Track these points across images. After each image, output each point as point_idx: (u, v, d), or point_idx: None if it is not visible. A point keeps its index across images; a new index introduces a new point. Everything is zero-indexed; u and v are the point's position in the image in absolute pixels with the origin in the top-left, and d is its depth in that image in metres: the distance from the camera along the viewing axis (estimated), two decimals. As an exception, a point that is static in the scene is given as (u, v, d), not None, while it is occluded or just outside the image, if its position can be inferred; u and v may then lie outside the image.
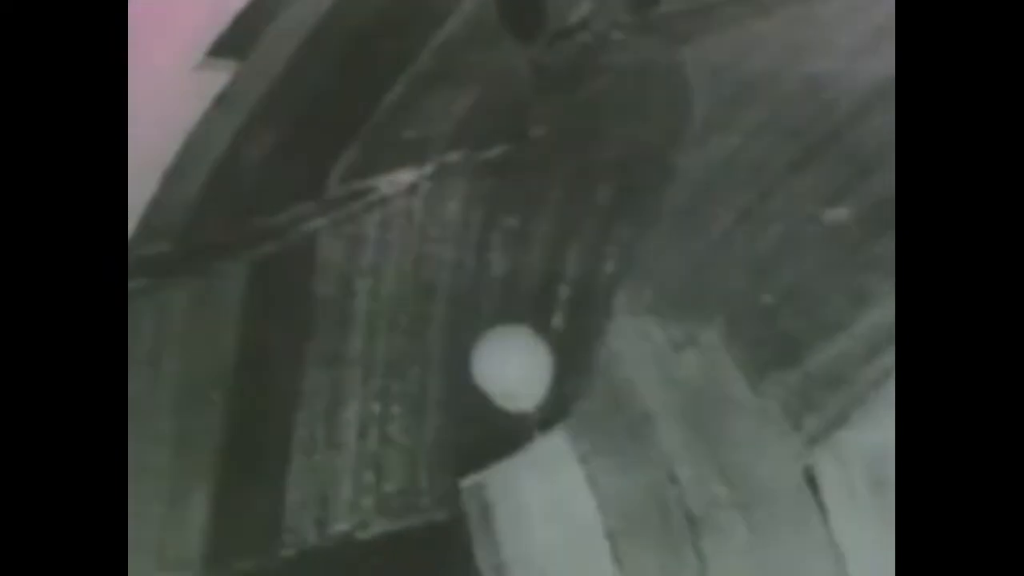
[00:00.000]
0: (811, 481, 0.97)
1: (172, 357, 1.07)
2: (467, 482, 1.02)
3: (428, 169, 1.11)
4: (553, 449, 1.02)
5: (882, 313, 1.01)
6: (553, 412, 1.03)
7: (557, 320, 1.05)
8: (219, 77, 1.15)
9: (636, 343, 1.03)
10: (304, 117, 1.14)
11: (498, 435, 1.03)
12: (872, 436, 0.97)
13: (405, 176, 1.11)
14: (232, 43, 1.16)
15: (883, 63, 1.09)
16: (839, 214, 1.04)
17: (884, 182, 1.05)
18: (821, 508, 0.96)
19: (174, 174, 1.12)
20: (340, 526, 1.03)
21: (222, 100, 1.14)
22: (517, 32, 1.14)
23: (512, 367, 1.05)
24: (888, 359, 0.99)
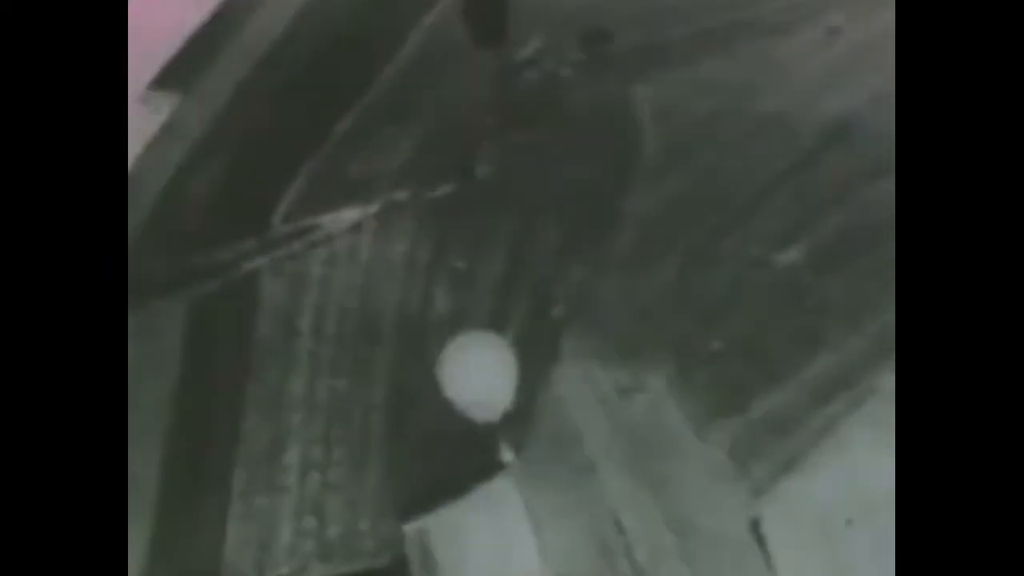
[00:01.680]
0: (757, 531, 0.96)
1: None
2: (410, 527, 1.01)
3: (374, 207, 1.09)
4: (497, 494, 1.00)
5: (830, 360, 1.00)
6: (517, 431, 1.01)
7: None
8: (161, 110, 1.13)
9: (582, 388, 1.02)
10: (248, 152, 1.13)
11: (443, 479, 1.02)
12: (819, 485, 0.96)
13: (350, 214, 1.09)
14: (175, 75, 1.14)
15: (836, 102, 1.09)
16: (790, 256, 1.03)
17: (836, 224, 1.04)
18: (767, 559, 0.95)
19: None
20: (280, 571, 1.01)
21: (164, 133, 1.12)
22: (484, 40, 1.13)
23: (478, 374, 1.04)
24: (837, 406, 0.98)
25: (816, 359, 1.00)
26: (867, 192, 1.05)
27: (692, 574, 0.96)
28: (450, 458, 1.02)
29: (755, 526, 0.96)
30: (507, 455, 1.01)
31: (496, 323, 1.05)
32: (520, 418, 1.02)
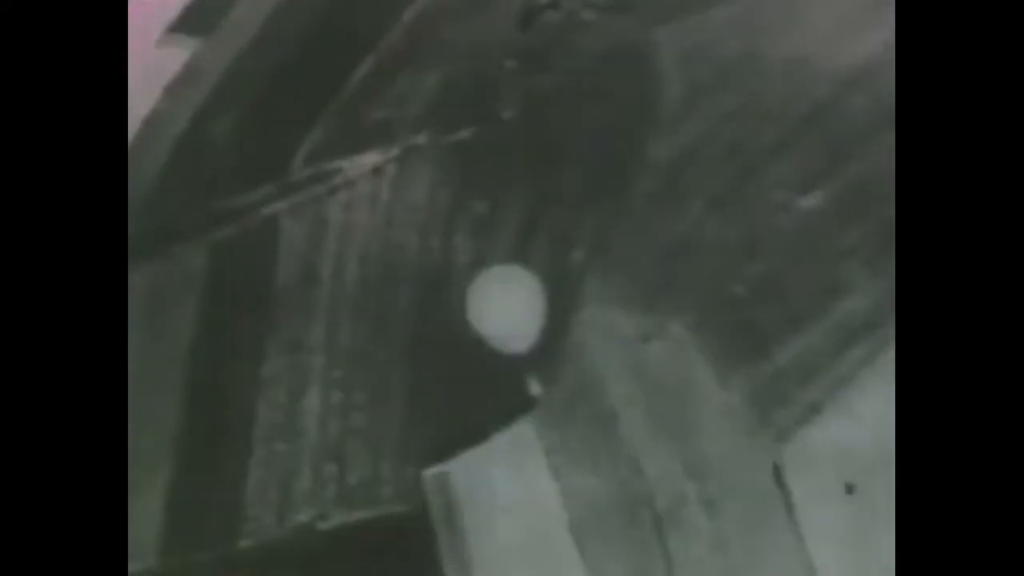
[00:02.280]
0: (779, 478, 0.95)
1: (130, 342, 1.05)
2: (431, 473, 1.01)
3: (394, 151, 1.09)
4: (518, 441, 1.00)
5: (854, 304, 0.99)
6: (545, 364, 1.01)
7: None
8: (180, 54, 1.13)
9: (604, 334, 1.01)
10: (267, 96, 1.13)
11: (465, 425, 1.01)
12: (841, 432, 0.96)
13: (370, 158, 1.09)
14: (194, 19, 1.14)
15: (860, 46, 1.07)
16: (814, 200, 1.03)
17: (860, 167, 1.03)
18: (788, 505, 0.95)
19: (134, 152, 1.10)
20: (300, 517, 1.01)
21: (183, 78, 1.12)
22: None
23: (506, 306, 1.04)
24: (859, 352, 0.97)
25: (838, 304, 0.99)
26: (890, 137, 1.03)
27: (712, 521, 0.96)
28: (471, 403, 1.02)
29: (777, 473, 0.95)
30: (535, 388, 1.01)
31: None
32: (547, 352, 1.02)
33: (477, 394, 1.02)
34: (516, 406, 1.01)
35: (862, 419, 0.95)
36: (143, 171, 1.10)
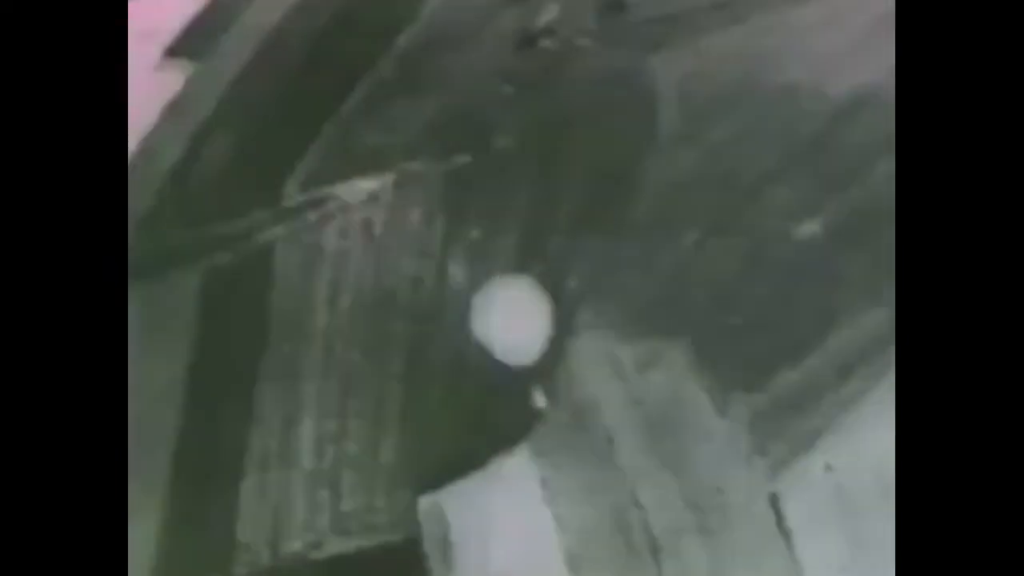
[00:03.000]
0: (775, 507, 0.95)
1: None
2: (425, 501, 1.00)
3: (390, 177, 1.09)
4: (514, 469, 1.00)
5: (852, 333, 0.99)
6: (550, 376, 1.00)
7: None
8: (176, 79, 1.12)
9: (600, 361, 1.01)
10: (262, 122, 1.13)
11: (460, 452, 1.01)
12: (839, 461, 0.95)
13: (365, 184, 1.09)
14: (190, 44, 1.14)
15: (858, 73, 1.08)
16: (811, 228, 1.03)
17: (857, 195, 1.03)
18: (785, 535, 0.94)
19: (130, 178, 1.10)
20: (294, 545, 1.00)
21: (178, 103, 1.12)
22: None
23: (512, 318, 1.04)
24: (857, 382, 0.97)
25: (835, 334, 0.99)
26: (887, 165, 1.03)
27: (709, 550, 0.95)
28: (467, 431, 1.01)
29: (774, 502, 0.95)
30: (541, 401, 1.00)
31: (512, 296, 1.05)
32: (553, 364, 1.01)
33: (473, 421, 1.02)
34: (518, 424, 1.01)
35: (860, 448, 0.95)
36: (138, 197, 1.10)
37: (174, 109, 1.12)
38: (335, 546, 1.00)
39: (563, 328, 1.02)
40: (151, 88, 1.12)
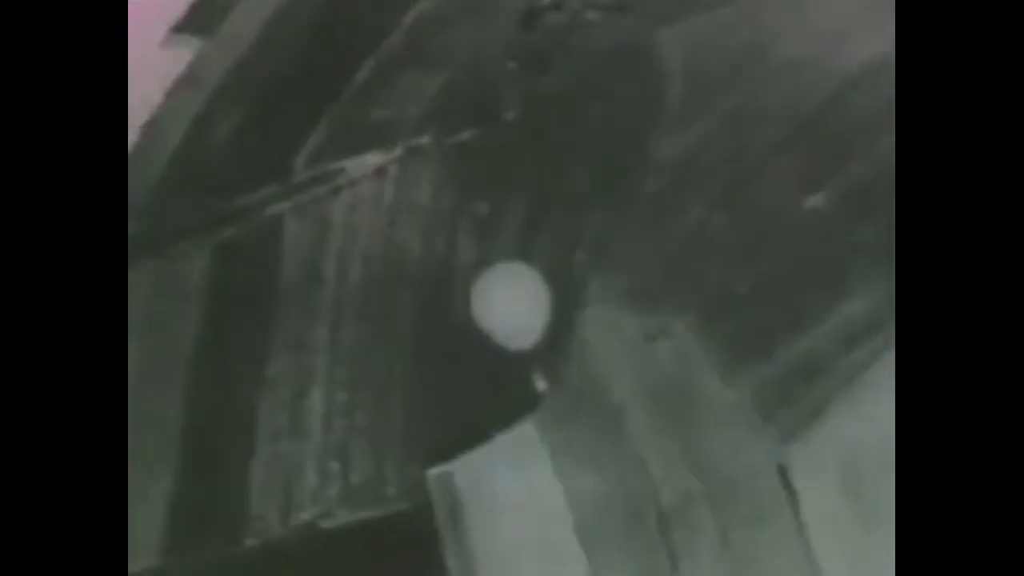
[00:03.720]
0: (783, 476, 0.95)
1: (133, 341, 1.05)
2: (434, 472, 1.01)
3: (397, 152, 1.09)
4: (522, 440, 1.00)
5: (858, 304, 0.99)
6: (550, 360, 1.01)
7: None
8: (183, 55, 1.13)
9: (608, 333, 1.01)
10: (270, 97, 1.13)
11: (469, 424, 1.01)
12: (845, 431, 0.96)
13: (373, 159, 1.09)
14: (197, 20, 1.14)
15: (863, 46, 1.08)
16: (817, 200, 1.03)
17: (863, 167, 1.03)
18: (793, 503, 0.95)
19: (137, 154, 1.10)
20: (304, 515, 1.01)
21: (186, 79, 1.12)
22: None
23: (511, 302, 1.04)
24: (863, 352, 0.97)
25: (842, 304, 0.99)
26: (890, 137, 1.03)
27: (718, 520, 0.96)
28: (475, 403, 1.02)
29: (782, 472, 0.96)
30: (541, 384, 1.01)
31: (521, 268, 1.05)
32: (553, 348, 1.02)
33: (481, 393, 1.03)
34: (521, 404, 1.01)
35: (866, 419, 0.96)
36: (147, 172, 1.10)
37: (182, 85, 1.12)
38: (345, 516, 1.01)
39: (569, 304, 1.03)
40: (154, 64, 1.12)
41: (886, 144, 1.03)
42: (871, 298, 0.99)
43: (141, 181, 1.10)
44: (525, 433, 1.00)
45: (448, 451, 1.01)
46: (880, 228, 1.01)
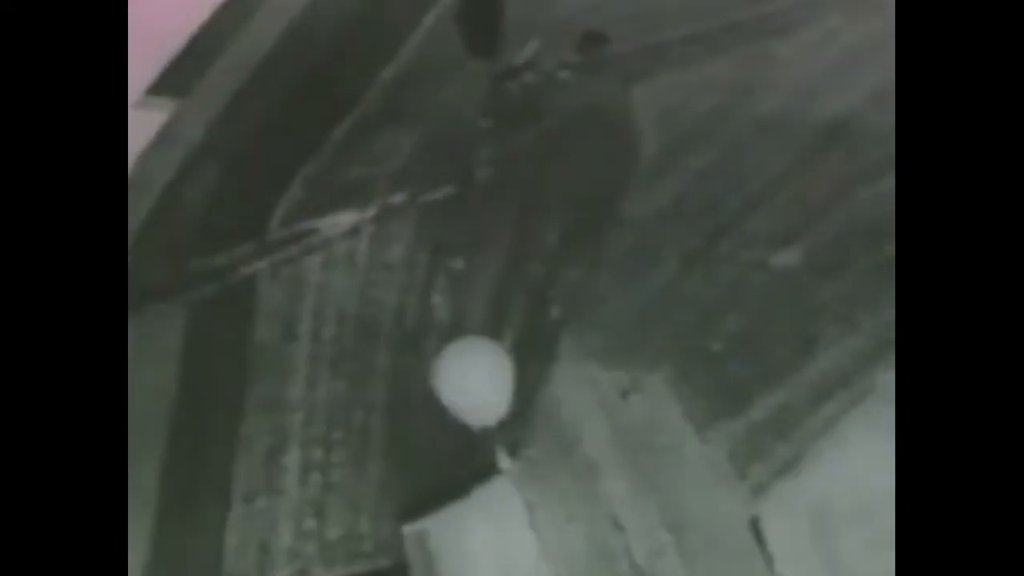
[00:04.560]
0: (756, 531, 0.96)
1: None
2: (410, 529, 1.01)
3: (372, 211, 1.09)
4: (497, 496, 1.00)
5: (830, 359, 1.00)
6: (513, 436, 1.01)
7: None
8: (158, 116, 1.13)
9: (581, 389, 1.02)
10: (245, 156, 1.13)
11: (443, 480, 1.02)
12: (817, 484, 0.96)
13: (348, 218, 1.10)
14: (172, 81, 1.15)
15: (835, 103, 1.09)
16: (790, 256, 1.04)
17: (834, 225, 1.04)
18: (766, 558, 0.95)
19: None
20: (281, 573, 1.01)
21: (161, 139, 1.13)
22: (477, 50, 1.14)
23: (474, 379, 1.04)
24: (835, 406, 0.98)
25: (814, 359, 1.00)
26: (865, 193, 1.05)
27: (691, 573, 0.96)
28: (450, 459, 1.02)
29: (755, 525, 0.96)
30: (504, 461, 1.01)
31: (494, 324, 1.05)
32: (517, 423, 1.02)
33: (455, 451, 1.03)
34: (493, 465, 1.01)
35: (837, 472, 0.96)
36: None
37: (157, 145, 1.13)
38: (322, 573, 1.00)
39: (542, 360, 1.03)
40: (135, 124, 1.13)
41: (858, 199, 1.05)
42: (842, 352, 1.00)
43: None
44: (499, 488, 1.00)
45: (423, 506, 1.01)
46: (851, 283, 1.02)
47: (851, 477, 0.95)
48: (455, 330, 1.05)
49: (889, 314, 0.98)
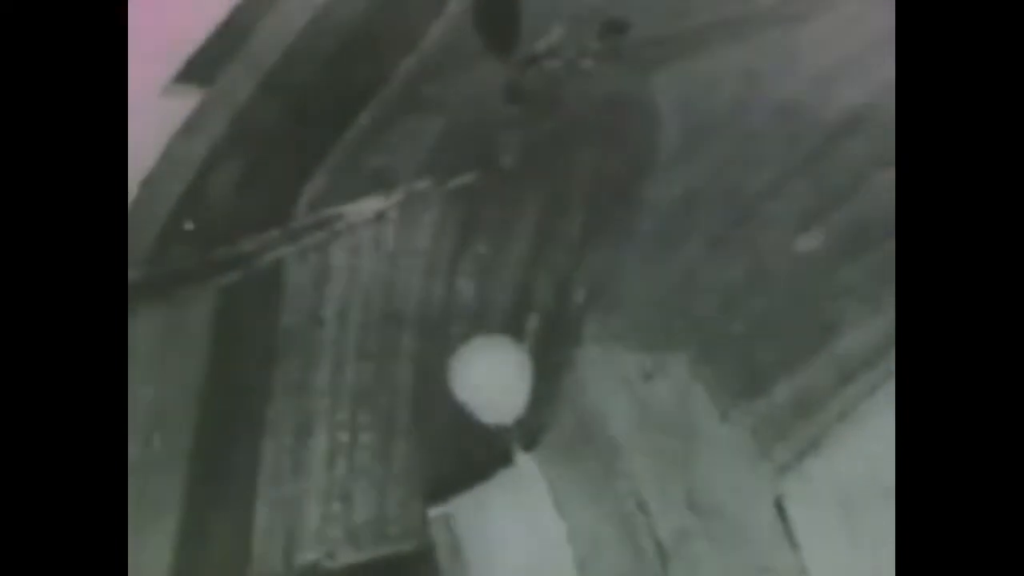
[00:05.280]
0: (781, 510, 0.96)
1: (139, 385, 1.06)
2: (436, 512, 1.01)
3: (396, 197, 1.10)
4: (522, 478, 1.01)
5: (850, 341, 1.01)
6: (533, 428, 1.02)
7: (526, 348, 1.04)
8: (185, 104, 1.14)
9: (606, 371, 1.02)
10: (271, 144, 1.14)
11: (468, 464, 1.02)
12: (841, 465, 0.97)
13: (373, 204, 1.10)
14: (199, 69, 1.15)
15: (854, 89, 1.09)
16: (809, 241, 1.04)
17: (855, 209, 1.05)
18: (791, 537, 0.96)
19: (142, 201, 1.12)
20: (308, 556, 1.02)
21: (188, 127, 1.14)
22: (494, 47, 1.14)
23: (492, 377, 1.05)
24: (858, 388, 0.99)
25: (836, 341, 1.01)
26: (884, 178, 1.05)
27: (715, 553, 0.96)
28: (475, 442, 1.03)
29: (779, 505, 0.96)
30: (519, 457, 1.02)
31: (519, 308, 1.06)
32: (535, 415, 1.03)
33: (480, 434, 1.03)
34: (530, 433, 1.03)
35: (862, 452, 0.97)
36: (151, 220, 1.11)
37: (184, 133, 1.14)
38: (348, 557, 1.01)
39: (564, 348, 1.04)
40: (155, 113, 1.14)
41: (878, 185, 1.05)
42: (865, 335, 1.00)
43: (145, 229, 1.11)
44: (524, 470, 1.01)
45: (448, 489, 1.02)
46: (872, 266, 1.02)
47: (874, 457, 0.96)
48: (480, 314, 1.06)
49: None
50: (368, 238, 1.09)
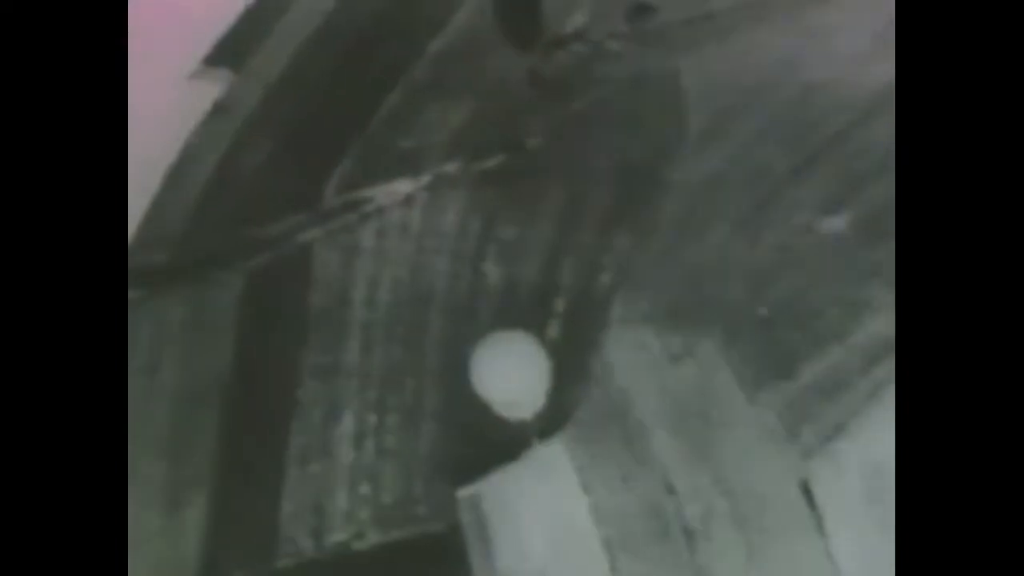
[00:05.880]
0: (807, 493, 0.97)
1: (169, 367, 1.07)
2: (463, 492, 1.02)
3: (424, 179, 1.11)
4: (550, 459, 1.02)
5: (879, 324, 1.01)
6: (551, 421, 1.02)
7: (553, 330, 1.05)
8: (215, 86, 1.15)
9: (632, 354, 1.03)
10: (300, 127, 1.14)
11: (495, 445, 1.03)
12: (868, 447, 0.97)
13: (401, 186, 1.11)
14: (228, 53, 1.16)
15: (880, 71, 1.09)
16: (836, 223, 1.04)
17: (882, 191, 1.05)
18: (817, 520, 0.96)
19: (170, 185, 1.12)
20: (336, 536, 1.02)
21: (218, 110, 1.14)
22: (514, 40, 1.15)
23: (511, 374, 1.05)
24: (884, 370, 0.99)
25: (863, 323, 1.01)
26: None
27: (742, 535, 0.97)
28: (502, 423, 1.03)
29: (805, 487, 0.97)
30: (538, 449, 1.02)
31: (546, 292, 1.06)
32: (556, 407, 1.03)
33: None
34: (550, 424, 1.03)
35: (887, 436, 0.97)
36: (180, 202, 1.12)
37: (213, 117, 1.14)
38: (377, 537, 1.02)
39: (595, 323, 1.04)
40: (191, 95, 1.15)
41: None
42: (891, 316, 1.01)
43: (175, 212, 1.12)
44: (551, 451, 1.02)
45: (476, 470, 1.02)
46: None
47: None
48: (507, 297, 1.07)
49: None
50: (396, 221, 1.10)
